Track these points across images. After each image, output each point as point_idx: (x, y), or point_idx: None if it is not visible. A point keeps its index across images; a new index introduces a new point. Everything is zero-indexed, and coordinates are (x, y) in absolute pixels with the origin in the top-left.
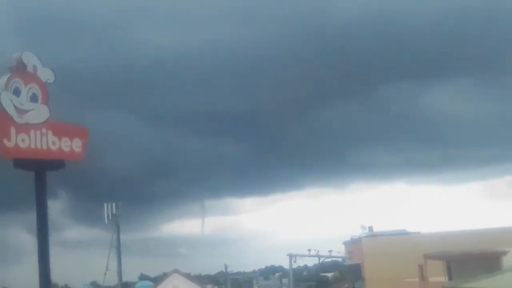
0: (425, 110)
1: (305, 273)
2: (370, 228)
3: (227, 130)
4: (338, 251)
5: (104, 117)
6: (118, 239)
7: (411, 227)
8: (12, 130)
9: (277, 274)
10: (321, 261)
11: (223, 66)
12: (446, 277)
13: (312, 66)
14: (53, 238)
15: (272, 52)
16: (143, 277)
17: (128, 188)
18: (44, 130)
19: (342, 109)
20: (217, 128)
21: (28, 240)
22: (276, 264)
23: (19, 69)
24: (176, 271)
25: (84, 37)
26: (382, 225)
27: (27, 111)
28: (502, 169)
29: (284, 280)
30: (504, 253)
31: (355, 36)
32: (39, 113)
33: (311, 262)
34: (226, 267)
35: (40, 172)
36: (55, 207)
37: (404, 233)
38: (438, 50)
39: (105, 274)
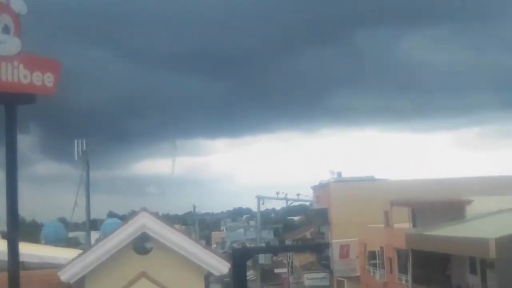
0: (400, 58)
1: (272, 215)
2: (339, 174)
3: (201, 69)
4: (306, 195)
5: (81, 52)
6: (88, 177)
7: (380, 174)
8: None
9: (244, 216)
10: (288, 204)
11: (201, 8)
12: (411, 224)
13: (288, 10)
14: (23, 173)
15: None
16: (111, 215)
17: (100, 125)
18: (15, 63)
19: (318, 53)
20: (191, 68)
21: None
22: (244, 206)
23: None
24: (144, 209)
25: None
26: (350, 171)
27: None
28: (473, 119)
29: (252, 222)
30: (469, 202)
31: None
32: (11, 45)
33: (279, 205)
34: (194, 207)
35: (10, 106)
36: (26, 141)
37: (372, 180)
38: None
39: (73, 210)
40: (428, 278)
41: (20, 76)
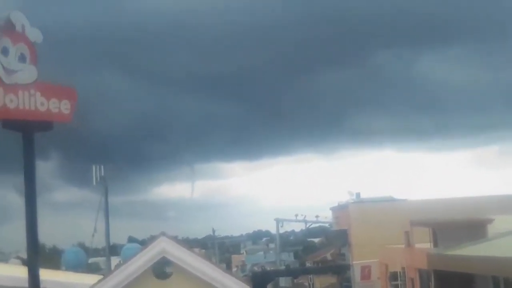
0: (418, 77)
1: (291, 238)
2: (358, 195)
3: (219, 92)
4: (325, 217)
5: (97, 77)
6: (106, 202)
7: (398, 194)
8: (0, 91)
9: (264, 239)
10: (308, 226)
11: (218, 28)
12: (432, 244)
13: (307, 31)
14: (42, 199)
15: (268, 16)
16: (131, 240)
17: (118, 150)
18: (32, 91)
19: (335, 74)
20: (209, 90)
21: (17, 201)
22: (264, 228)
23: (7, 28)
24: (163, 234)
25: None
26: (369, 192)
27: (16, 71)
28: (491, 137)
29: (271, 245)
30: (490, 221)
31: (351, 2)
32: (27, 73)
33: (298, 227)
34: (213, 231)
35: (28, 133)
36: (44, 168)
37: (391, 200)
38: (432, 17)
39: (93, 236)
40: None
41: (37, 103)
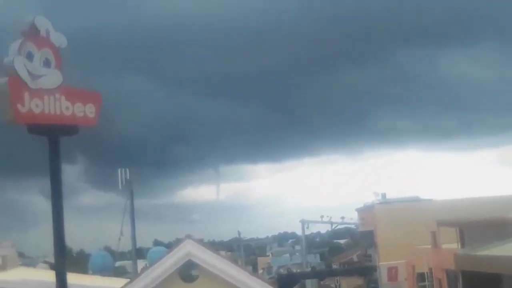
0: (442, 75)
1: (317, 239)
2: (383, 195)
3: (242, 94)
4: (351, 218)
5: (121, 81)
6: (132, 205)
7: (424, 194)
8: (26, 95)
9: (290, 241)
10: (333, 227)
11: (239, 29)
12: (459, 244)
13: (329, 30)
14: (68, 203)
15: (289, 15)
16: (157, 243)
17: (143, 153)
18: (57, 96)
19: (358, 74)
20: (232, 92)
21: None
22: (289, 230)
23: (32, 33)
24: (189, 236)
25: (100, 2)
26: (395, 192)
27: (40, 76)
28: None
29: (297, 247)
30: None
31: (372, 1)
32: (52, 78)
33: (324, 228)
34: (239, 233)
35: (54, 137)
36: (70, 172)
37: (417, 200)
38: (456, 14)
39: (119, 239)
40: None
41: (62, 108)
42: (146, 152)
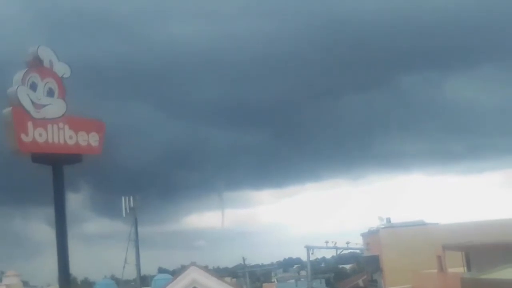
0: (446, 99)
1: (323, 265)
2: (388, 220)
3: (245, 121)
4: (356, 243)
5: (125, 109)
6: (136, 233)
7: (429, 218)
8: (30, 125)
9: (295, 266)
10: (338, 253)
11: (243, 59)
12: (465, 268)
13: (332, 56)
14: (72, 231)
15: (291, 43)
16: (161, 270)
17: (146, 181)
18: (61, 125)
19: (362, 98)
20: (235, 120)
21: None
22: (294, 256)
23: (36, 63)
24: (194, 264)
25: (107, 31)
26: (400, 216)
27: (44, 105)
28: None
29: (302, 272)
30: None
31: (376, 25)
32: (55, 107)
33: (328, 254)
34: (244, 259)
35: (58, 166)
36: (74, 200)
37: (422, 224)
38: (461, 38)
39: (123, 267)
40: None
41: (66, 137)
42: (150, 179)
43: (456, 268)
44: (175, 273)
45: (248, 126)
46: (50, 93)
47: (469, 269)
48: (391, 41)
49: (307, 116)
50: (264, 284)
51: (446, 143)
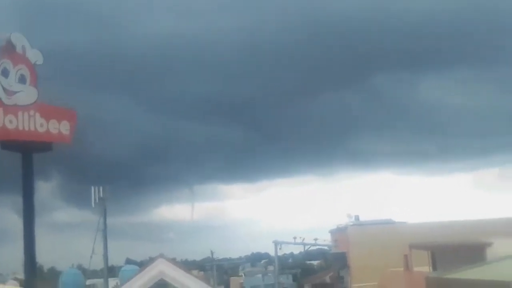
0: (418, 100)
1: (290, 260)
2: (356, 217)
3: (218, 116)
4: (324, 240)
5: (98, 100)
6: (105, 223)
7: (398, 217)
8: (0, 111)
9: (263, 261)
10: (306, 249)
11: (218, 53)
12: (431, 267)
13: (306, 54)
14: (41, 220)
15: (267, 40)
16: (129, 261)
17: (117, 172)
18: (32, 112)
19: (335, 97)
20: (207, 114)
21: (15, 222)
22: (262, 251)
23: (8, 49)
24: (161, 256)
25: (83, 19)
26: (368, 215)
27: (15, 92)
28: (492, 160)
29: (270, 267)
30: (489, 244)
31: (351, 24)
32: (27, 94)
33: (296, 249)
34: (212, 253)
35: (27, 154)
36: (44, 188)
37: (390, 223)
38: (435, 39)
39: (91, 257)
40: None
41: (37, 124)
42: (120, 171)
43: (422, 267)
44: (142, 265)
45: (221, 120)
46: (22, 79)
47: (434, 268)
48: (366, 40)
49: (280, 112)
50: (231, 278)
51: (418, 143)
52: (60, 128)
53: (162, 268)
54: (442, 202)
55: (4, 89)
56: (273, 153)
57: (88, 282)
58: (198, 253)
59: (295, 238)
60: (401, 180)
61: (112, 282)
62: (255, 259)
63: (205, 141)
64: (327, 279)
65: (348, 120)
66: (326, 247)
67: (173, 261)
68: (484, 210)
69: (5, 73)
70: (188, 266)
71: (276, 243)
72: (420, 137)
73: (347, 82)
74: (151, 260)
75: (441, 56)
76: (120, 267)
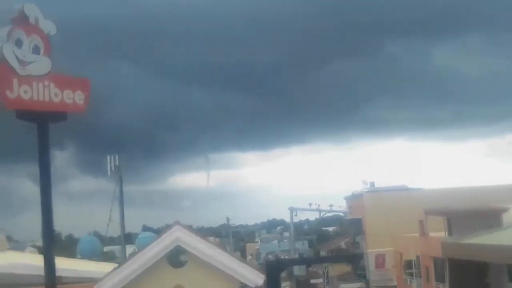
0: (433, 67)
1: (306, 227)
2: (372, 184)
3: (232, 83)
4: (339, 206)
5: (111, 69)
6: (121, 191)
7: (412, 183)
8: (15, 82)
9: (278, 228)
10: (322, 215)
11: (231, 20)
12: (446, 232)
13: (322, 21)
14: (57, 189)
15: (279, 7)
16: (145, 229)
17: (133, 140)
18: (46, 82)
19: (350, 65)
20: (223, 82)
21: (33, 190)
22: (278, 217)
23: (21, 20)
24: (177, 223)
25: None
26: (383, 181)
27: (29, 62)
28: (507, 126)
29: (285, 234)
30: (505, 209)
31: None
32: (41, 65)
33: (312, 216)
34: (228, 220)
35: (43, 124)
36: (60, 158)
37: (405, 189)
38: (450, 6)
39: (108, 225)
40: (466, 286)
41: (51, 95)
42: (136, 139)
43: (438, 232)
44: (159, 232)
45: (236, 88)
46: (36, 50)
47: (450, 233)
48: (380, 7)
49: (295, 80)
50: (247, 244)
51: (432, 110)
52: (75, 97)
53: (178, 235)
54: (457, 169)
55: (18, 59)
56: (288, 121)
57: (106, 249)
58: (214, 220)
59: (310, 204)
60: (415, 147)
61: (129, 249)
62: (271, 225)
63: (220, 109)
64: (343, 245)
65: (363, 88)
66: (341, 214)
67: (189, 228)
68: (499, 176)
69: (19, 44)
70: (204, 233)
71: (291, 210)
72: (434, 104)
73: (361, 50)
74: (168, 227)
75: (454, 22)
76: (137, 234)
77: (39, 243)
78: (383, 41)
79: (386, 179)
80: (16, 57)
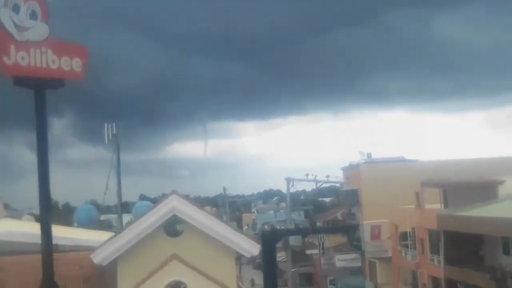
0: (433, 38)
1: (302, 197)
2: (369, 155)
3: (232, 52)
4: (336, 176)
5: (111, 36)
6: (118, 160)
7: (411, 155)
8: (12, 48)
9: (275, 198)
10: (318, 186)
11: None
12: (442, 204)
13: None
14: (54, 156)
15: None
16: (142, 198)
17: (130, 108)
18: (44, 49)
19: (350, 35)
20: (222, 50)
21: (30, 158)
22: (274, 188)
23: None
24: (174, 192)
25: None
26: (380, 152)
27: (27, 28)
28: (503, 98)
29: (282, 204)
30: (501, 182)
31: None
32: (39, 31)
33: (309, 187)
34: (225, 189)
35: (40, 91)
36: (57, 125)
37: (402, 160)
38: None
39: (104, 193)
40: (461, 258)
41: (49, 61)
42: (134, 108)
43: (434, 204)
44: (156, 201)
45: (234, 58)
46: (33, 16)
47: (446, 206)
48: None
49: (293, 50)
50: (243, 214)
51: (431, 81)
52: (72, 64)
53: (175, 205)
54: (456, 140)
55: (15, 25)
56: (286, 90)
57: (102, 217)
58: (211, 190)
59: (307, 175)
60: (414, 119)
61: (126, 217)
62: (268, 196)
63: (218, 78)
64: (339, 216)
65: (361, 58)
66: (338, 184)
67: (186, 197)
68: (497, 149)
69: (16, 9)
70: (201, 202)
71: (288, 180)
72: (433, 75)
73: (359, 18)
74: (164, 196)
75: None
76: (134, 203)
77: (37, 211)
78: (381, 10)
79: (384, 150)
80: (14, 22)
